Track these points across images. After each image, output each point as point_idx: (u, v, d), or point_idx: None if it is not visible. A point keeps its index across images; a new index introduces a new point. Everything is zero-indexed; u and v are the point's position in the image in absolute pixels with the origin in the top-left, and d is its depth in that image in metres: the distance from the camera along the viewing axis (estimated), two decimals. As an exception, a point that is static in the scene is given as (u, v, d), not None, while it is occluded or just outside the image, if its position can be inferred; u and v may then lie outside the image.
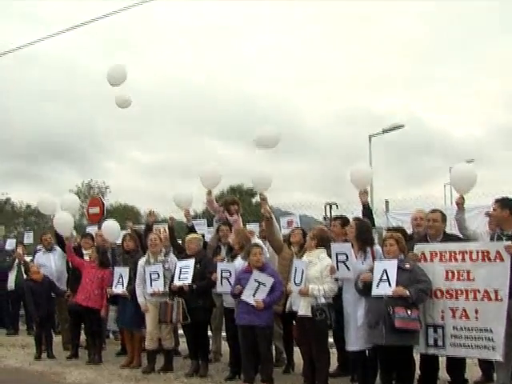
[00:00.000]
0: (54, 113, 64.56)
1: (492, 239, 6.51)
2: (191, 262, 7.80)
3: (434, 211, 6.88)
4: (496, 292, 5.97)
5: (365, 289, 6.32)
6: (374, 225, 7.55)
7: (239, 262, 7.58)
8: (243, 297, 7.00)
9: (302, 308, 6.70)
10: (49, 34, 10.21)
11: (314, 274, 6.70)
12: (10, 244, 13.35)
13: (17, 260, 12.35)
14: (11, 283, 12.25)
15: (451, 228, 7.32)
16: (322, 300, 6.58)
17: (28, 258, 12.28)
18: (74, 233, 10.34)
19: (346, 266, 6.59)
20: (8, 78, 57.01)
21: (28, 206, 46.30)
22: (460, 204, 6.71)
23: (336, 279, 6.70)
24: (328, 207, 14.98)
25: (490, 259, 6.07)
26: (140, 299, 8.24)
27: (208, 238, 9.26)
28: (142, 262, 8.32)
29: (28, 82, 66.20)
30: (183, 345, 8.91)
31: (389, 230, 8.34)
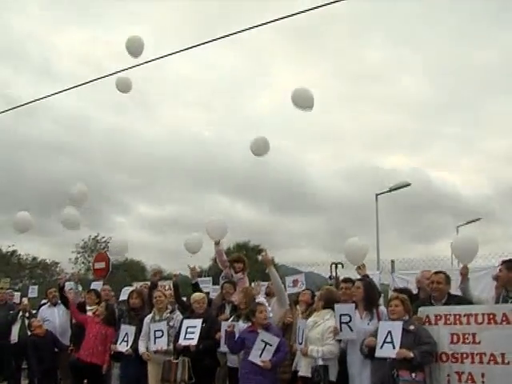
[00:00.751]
0: (63, 165, 65.12)
1: (497, 301, 6.48)
2: (198, 323, 7.75)
3: (437, 273, 6.86)
4: (503, 355, 5.88)
5: (370, 353, 6.26)
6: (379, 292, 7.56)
7: (243, 323, 7.53)
8: (250, 357, 6.93)
9: (303, 368, 6.71)
10: (63, 89, 10.44)
11: (316, 335, 6.69)
12: (15, 297, 13.32)
13: (20, 313, 12.29)
14: (14, 336, 12.09)
15: (457, 289, 7.28)
16: (320, 361, 6.55)
17: (33, 312, 12.21)
18: (80, 287, 10.35)
19: (350, 327, 6.56)
20: (19, 130, 57.90)
21: (34, 259, 46.07)
22: (464, 274, 6.72)
23: (339, 341, 6.67)
24: (334, 266, 14.92)
25: (496, 322, 5.99)
26: (141, 349, 8.12)
27: (213, 295, 9.25)
28: (147, 319, 8.28)
29: (39, 134, 67.27)
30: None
31: (395, 290, 8.31)
